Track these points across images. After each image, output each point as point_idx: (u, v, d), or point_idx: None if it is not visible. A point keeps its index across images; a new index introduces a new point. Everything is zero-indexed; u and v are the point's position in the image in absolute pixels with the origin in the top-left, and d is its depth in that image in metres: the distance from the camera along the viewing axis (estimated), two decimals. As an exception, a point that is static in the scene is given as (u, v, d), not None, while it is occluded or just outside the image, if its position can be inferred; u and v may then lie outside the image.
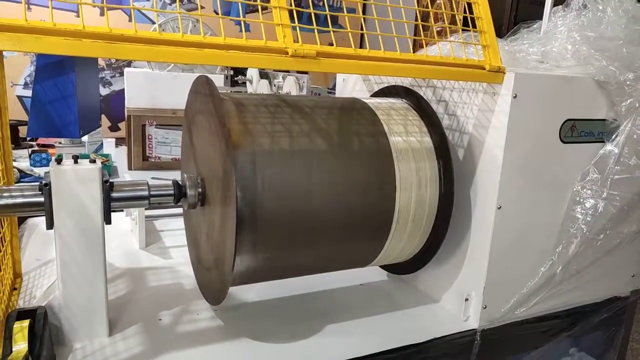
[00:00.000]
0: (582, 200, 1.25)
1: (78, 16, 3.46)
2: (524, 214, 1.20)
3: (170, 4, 3.70)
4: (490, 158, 1.16)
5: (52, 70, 1.21)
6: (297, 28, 0.91)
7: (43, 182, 0.96)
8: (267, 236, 1.01)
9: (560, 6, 1.35)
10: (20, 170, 2.66)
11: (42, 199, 0.97)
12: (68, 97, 1.24)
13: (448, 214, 1.18)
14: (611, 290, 1.45)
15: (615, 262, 1.39)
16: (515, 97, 1.09)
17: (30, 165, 2.84)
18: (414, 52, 1.43)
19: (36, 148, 2.92)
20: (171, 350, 1.03)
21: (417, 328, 1.20)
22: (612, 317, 1.46)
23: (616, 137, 1.23)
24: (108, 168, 2.48)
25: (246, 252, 0.99)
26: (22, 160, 2.96)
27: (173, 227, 1.77)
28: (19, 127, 3.44)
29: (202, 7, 3.65)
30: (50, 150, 2.83)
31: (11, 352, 0.84)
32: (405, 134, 1.16)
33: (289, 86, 1.81)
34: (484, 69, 1.09)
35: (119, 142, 3.11)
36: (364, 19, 1.10)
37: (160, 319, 1.16)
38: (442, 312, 1.30)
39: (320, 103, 1.15)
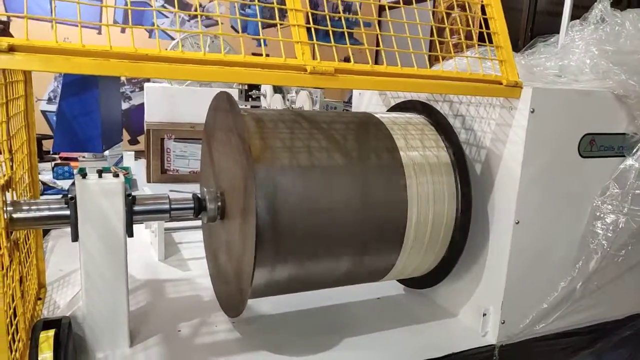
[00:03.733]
0: (602, 215, 1.23)
1: (99, 33, 3.57)
2: (542, 229, 1.20)
3: (188, 20, 3.78)
4: (508, 172, 1.16)
5: (77, 86, 1.25)
6: (315, 45, 0.93)
7: (69, 195, 0.99)
8: (285, 250, 1.02)
9: (578, 20, 1.35)
10: (43, 183, 2.72)
11: (67, 212, 1.00)
12: (92, 112, 1.28)
13: (466, 228, 1.18)
14: (634, 307, 1.42)
15: (638, 279, 1.37)
16: (532, 111, 1.10)
17: (53, 178, 2.91)
18: (430, 66, 1.44)
19: (59, 161, 2.99)
20: (190, 362, 1.05)
21: (435, 343, 1.20)
22: (635, 335, 1.43)
23: (637, 151, 1.22)
24: (128, 181, 2.52)
25: (265, 265, 1.00)
26: (45, 173, 3.02)
27: (191, 240, 1.79)
28: (43, 141, 3.53)
29: (221, 23, 3.72)
30: (72, 164, 2.89)
31: (37, 360, 0.86)
32: (422, 149, 1.17)
33: (302, 101, 1.83)
34: (501, 84, 1.09)
35: (138, 155, 3.17)
36: (379, 34, 1.11)
37: (180, 331, 1.17)
38: (460, 326, 1.29)
39: (336, 119, 1.17)
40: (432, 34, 1.15)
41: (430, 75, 1.02)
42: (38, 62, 0.70)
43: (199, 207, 1.12)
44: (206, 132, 1.26)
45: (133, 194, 1.05)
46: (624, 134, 1.25)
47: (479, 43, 1.16)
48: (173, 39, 3.62)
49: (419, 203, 1.13)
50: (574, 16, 1.43)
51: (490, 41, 1.13)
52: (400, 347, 1.17)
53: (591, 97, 1.18)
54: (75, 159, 2.84)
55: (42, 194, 2.71)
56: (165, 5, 2.90)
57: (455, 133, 1.20)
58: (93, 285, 1.03)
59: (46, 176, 2.88)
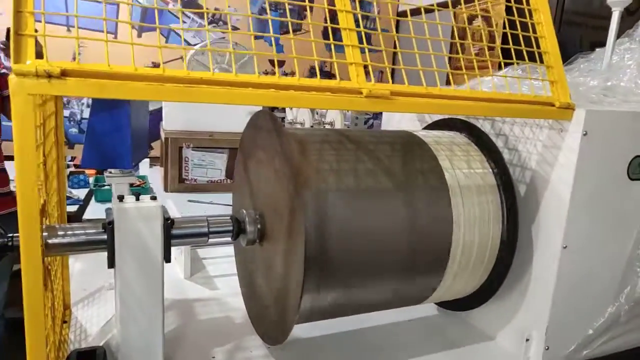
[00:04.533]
0: (650, 238, 1.19)
1: (115, 38, 3.53)
2: (589, 254, 1.16)
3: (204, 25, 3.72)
4: (556, 196, 1.12)
5: (108, 102, 1.21)
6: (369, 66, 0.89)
7: (106, 220, 0.95)
8: (331, 275, 0.98)
9: (624, 38, 1.31)
10: (57, 192, 2.68)
11: (104, 237, 0.95)
12: (122, 128, 1.24)
13: (511, 252, 1.14)
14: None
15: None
16: (585, 134, 1.06)
17: (68, 187, 2.86)
18: (448, 84, 1.39)
19: (73, 169, 2.95)
20: (230, 393, 1.00)
21: (479, 370, 1.16)
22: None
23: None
24: (145, 190, 2.48)
25: (310, 292, 0.96)
26: (58, 181, 2.98)
27: (216, 255, 1.75)
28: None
29: (236, 29, 3.68)
30: (87, 171, 2.85)
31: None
32: (467, 170, 1.13)
33: (333, 115, 1.79)
34: (553, 105, 1.05)
35: (153, 162, 3.12)
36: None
37: (214, 357, 1.13)
38: (500, 351, 1.25)
39: (380, 139, 1.13)
40: (463, 52, 1.11)
41: (483, 97, 0.98)
42: (91, 88, 0.66)
43: (238, 229, 1.08)
44: (242, 151, 1.22)
45: (172, 217, 1.00)
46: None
47: (519, 61, 1.11)
48: (189, 43, 3.59)
49: (464, 226, 1.09)
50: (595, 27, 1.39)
51: (533, 59, 1.09)
52: (440, 374, 1.13)
53: (643, 118, 1.14)
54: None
55: (56, 204, 2.66)
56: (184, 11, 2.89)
57: (500, 154, 1.16)
58: (129, 313, 0.99)
59: (60, 184, 2.84)
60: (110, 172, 1.36)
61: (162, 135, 2.54)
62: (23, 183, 0.65)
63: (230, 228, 1.08)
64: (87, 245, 0.95)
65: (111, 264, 0.97)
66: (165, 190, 2.49)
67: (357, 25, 0.90)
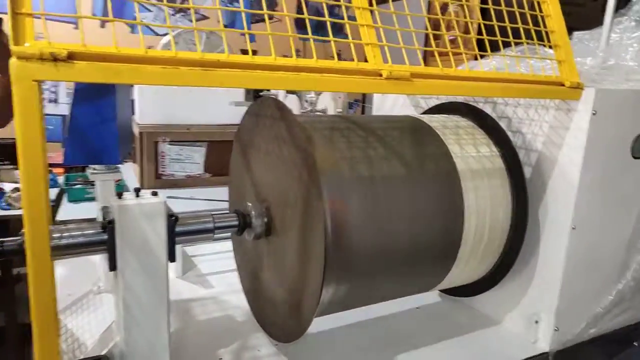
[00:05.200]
0: (651, 215, 1.21)
1: (75, 28, 3.34)
2: (597, 234, 1.16)
3: (173, 15, 3.59)
4: (564, 177, 1.11)
5: (93, 92, 1.12)
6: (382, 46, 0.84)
7: (106, 219, 0.88)
8: (350, 266, 0.94)
9: (619, 17, 1.31)
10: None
11: (104, 237, 0.88)
12: (109, 121, 1.15)
13: (521, 236, 1.13)
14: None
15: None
16: (594, 113, 1.05)
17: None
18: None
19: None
20: (244, 396, 0.95)
21: (488, 354, 1.15)
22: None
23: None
24: (121, 188, 2.37)
25: (329, 287, 0.92)
26: (24, 180, 2.82)
27: (205, 252, 1.68)
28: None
29: (206, 17, 3.55)
30: (55, 170, 2.71)
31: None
32: (476, 155, 1.11)
33: (326, 102, 1.73)
34: (563, 85, 1.04)
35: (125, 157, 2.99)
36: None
37: (221, 358, 1.07)
38: (508, 334, 1.24)
39: (388, 125, 1.09)
40: (467, 32, 1.08)
41: (498, 78, 0.95)
42: (103, 73, 0.59)
43: (244, 223, 1.02)
44: (240, 140, 1.15)
45: (176, 214, 0.94)
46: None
47: (516, 40, 1.09)
48: (157, 34, 3.44)
49: (477, 211, 1.07)
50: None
51: (544, 39, 1.07)
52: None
53: (646, 97, 1.14)
54: (59, 165, 2.66)
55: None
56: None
57: (507, 136, 1.14)
58: (133, 319, 0.92)
59: (27, 184, 2.69)
60: (95, 169, 1.27)
61: (136, 129, 2.43)
62: (30, 181, 0.58)
63: (236, 223, 1.02)
64: (86, 246, 0.87)
65: (112, 266, 0.89)
66: (141, 187, 2.38)
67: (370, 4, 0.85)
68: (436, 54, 0.91)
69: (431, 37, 0.92)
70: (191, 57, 0.66)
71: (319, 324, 1.21)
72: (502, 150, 1.14)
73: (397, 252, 0.99)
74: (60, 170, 2.63)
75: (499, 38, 0.98)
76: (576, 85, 1.04)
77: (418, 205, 1.00)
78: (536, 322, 1.18)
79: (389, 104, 1.59)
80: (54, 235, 0.85)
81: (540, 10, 1.07)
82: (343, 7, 0.82)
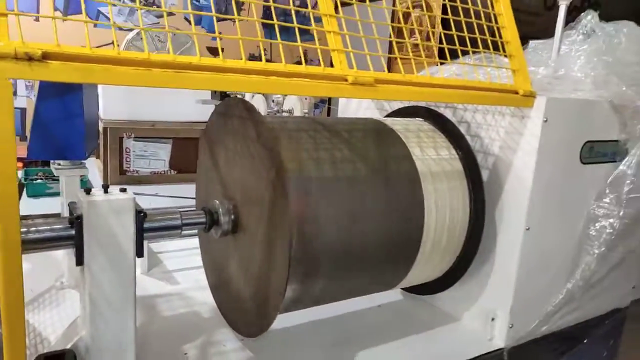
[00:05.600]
0: (597, 218, 1.29)
1: (36, 20, 3.25)
2: (548, 234, 1.23)
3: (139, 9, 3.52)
4: (519, 180, 1.17)
5: (58, 88, 1.12)
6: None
7: (74, 214, 0.89)
8: (314, 266, 0.97)
9: (568, 31, 1.39)
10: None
11: (72, 233, 0.89)
12: (75, 116, 1.15)
13: (478, 236, 1.19)
14: (615, 302, 1.51)
15: (620, 275, 1.45)
16: (545, 120, 1.11)
17: None
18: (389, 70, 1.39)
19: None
20: (209, 389, 0.98)
21: (445, 350, 1.20)
22: (614, 327, 1.52)
23: (629, 158, 1.28)
24: (84, 184, 2.33)
25: (293, 283, 0.95)
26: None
27: (171, 249, 1.68)
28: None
29: (172, 14, 3.50)
30: (16, 164, 2.64)
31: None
32: (436, 157, 1.16)
33: (292, 102, 1.76)
34: (517, 93, 1.10)
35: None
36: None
37: (187, 354, 1.09)
38: (466, 331, 1.30)
39: (353, 127, 1.13)
40: (428, 39, 1.13)
41: (456, 85, 1.01)
42: (76, 72, 0.61)
43: (211, 221, 1.04)
44: (207, 139, 1.17)
45: (145, 210, 0.95)
46: (616, 140, 1.30)
47: (474, 50, 1.14)
48: (120, 29, 3.39)
49: (437, 212, 1.12)
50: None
51: (499, 49, 1.13)
52: (413, 356, 1.16)
53: (593, 106, 1.22)
54: (20, 160, 2.60)
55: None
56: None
57: (466, 141, 1.20)
58: (99, 313, 0.93)
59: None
60: (60, 164, 1.26)
61: (101, 125, 2.40)
62: (3, 176, 0.59)
63: (204, 220, 1.04)
64: (53, 241, 0.88)
65: (79, 261, 0.90)
66: (105, 183, 2.35)
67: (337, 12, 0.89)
68: (399, 60, 0.96)
69: (394, 43, 0.96)
70: (164, 60, 0.69)
71: (283, 321, 1.24)
72: (461, 154, 1.20)
73: (360, 250, 1.03)
74: (19, 164, 2.57)
75: (457, 47, 1.04)
76: (529, 93, 1.11)
77: (380, 205, 1.04)
78: (492, 319, 1.24)
79: (354, 106, 1.64)
80: (22, 230, 0.86)
81: (497, 22, 1.13)
82: (310, 14, 0.85)
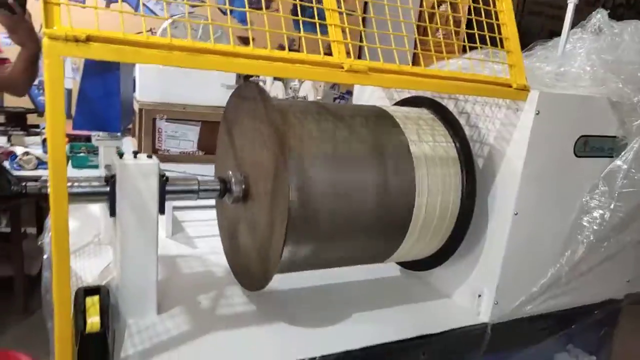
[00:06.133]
0: (589, 210, 1.36)
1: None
2: (537, 221, 1.31)
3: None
4: (510, 168, 1.26)
5: (99, 67, 1.28)
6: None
7: (109, 174, 1.05)
8: (309, 231, 1.10)
9: (578, 29, 1.46)
10: (37, 158, 2.72)
11: (107, 189, 1.05)
12: (113, 94, 1.31)
13: (468, 218, 1.28)
14: (608, 293, 1.57)
15: (614, 268, 1.51)
16: (537, 113, 1.20)
17: (44, 152, 2.89)
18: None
19: (45, 136, 2.98)
20: (213, 331, 1.12)
21: (433, 320, 1.31)
22: (607, 318, 1.58)
23: (625, 153, 1.34)
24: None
25: (291, 245, 1.08)
26: (34, 147, 3.01)
27: (193, 219, 1.85)
28: (28, 115, 3.49)
29: (204, 3, 3.69)
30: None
31: (86, 324, 0.93)
32: (432, 143, 1.26)
33: (307, 90, 1.89)
34: (511, 86, 1.19)
35: (124, 132, 3.17)
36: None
37: (200, 302, 1.25)
38: (455, 306, 1.40)
39: (356, 112, 1.25)
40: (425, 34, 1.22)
41: (451, 76, 1.11)
42: (112, 52, 0.75)
43: (224, 189, 1.19)
44: (226, 118, 1.32)
45: (167, 175, 1.10)
46: (614, 137, 1.37)
47: (482, 46, 1.23)
48: (158, 16, 3.58)
49: (427, 194, 1.23)
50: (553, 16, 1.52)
51: (495, 45, 1.22)
52: (402, 322, 1.27)
53: (589, 102, 1.29)
54: (67, 135, 2.83)
55: (36, 169, 2.70)
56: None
57: (463, 130, 1.29)
58: (127, 258, 1.09)
59: (37, 151, 2.87)
60: (99, 136, 1.43)
61: (136, 106, 2.59)
62: (54, 136, 0.75)
63: (218, 187, 1.18)
64: (91, 195, 1.05)
65: (112, 213, 1.06)
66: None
67: (339, 6, 1.01)
68: (420, 55, 1.06)
69: (415, 36, 1.06)
70: (183, 44, 0.83)
71: (284, 283, 1.38)
72: (457, 142, 1.30)
73: (353, 222, 1.15)
74: (65, 139, 2.80)
75: (466, 43, 1.14)
76: (522, 87, 1.19)
77: (374, 183, 1.16)
78: (479, 296, 1.34)
79: (366, 96, 1.75)
80: (67, 184, 1.02)
81: (497, 19, 1.22)
82: (315, 8, 0.97)
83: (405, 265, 1.53)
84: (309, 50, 0.94)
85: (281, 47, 0.97)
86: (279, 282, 1.38)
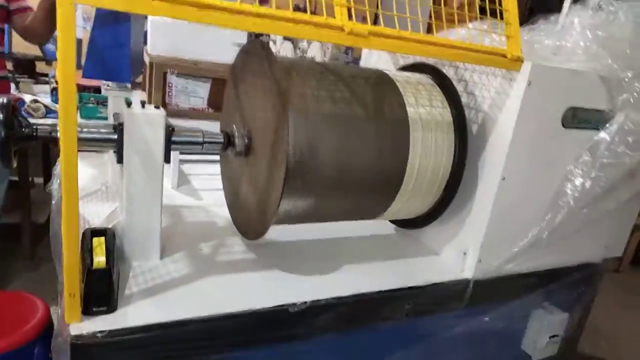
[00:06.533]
0: (572, 178, 1.43)
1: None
2: (523, 186, 1.38)
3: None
4: (500, 135, 1.32)
5: (110, 18, 1.32)
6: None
7: (117, 122, 1.11)
8: (306, 184, 1.17)
9: (578, 4, 1.49)
10: (45, 106, 2.77)
11: (114, 137, 1.11)
12: (123, 44, 1.35)
13: (458, 181, 1.35)
14: (585, 257, 1.66)
15: (592, 234, 1.59)
16: (529, 84, 1.25)
17: (53, 101, 2.94)
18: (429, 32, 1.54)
19: (55, 85, 3.02)
20: (212, 275, 1.21)
21: (421, 274, 1.39)
22: (584, 279, 1.68)
23: (609, 126, 1.40)
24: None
25: (289, 196, 1.15)
26: (43, 95, 3.05)
27: (198, 172, 1.92)
28: (36, 62, 3.50)
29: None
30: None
31: (92, 261, 1.01)
32: (429, 108, 1.32)
33: (314, 51, 1.93)
34: (506, 57, 1.23)
35: (134, 85, 3.20)
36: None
37: (201, 249, 1.33)
38: (441, 263, 1.49)
39: (358, 74, 1.30)
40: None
41: (448, 44, 1.15)
42: (121, 2, 0.81)
43: (228, 142, 1.25)
44: (233, 73, 1.37)
45: (173, 126, 1.17)
46: (601, 110, 1.42)
47: (482, 16, 1.27)
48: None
49: (420, 155, 1.29)
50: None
51: (501, 17, 1.26)
52: (390, 275, 1.36)
53: (579, 76, 1.34)
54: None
55: (45, 117, 2.75)
56: None
57: (459, 96, 1.35)
58: (133, 203, 1.16)
59: (46, 99, 2.92)
60: (108, 86, 1.48)
61: (147, 59, 2.62)
62: (65, 78, 0.80)
63: (222, 140, 1.25)
64: (100, 142, 1.11)
65: (120, 159, 1.13)
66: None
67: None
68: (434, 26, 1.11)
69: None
70: (232, 6, 0.88)
71: (284, 235, 1.46)
72: (453, 108, 1.35)
73: (347, 177, 1.22)
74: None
75: (472, 14, 1.18)
76: (517, 58, 1.24)
77: (369, 141, 1.22)
78: (464, 254, 1.43)
79: (374, 60, 1.79)
80: (77, 129, 1.09)
81: (498, -8, 1.26)
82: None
83: (399, 223, 1.61)
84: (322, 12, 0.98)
85: (297, 8, 1.01)
86: (277, 233, 1.46)
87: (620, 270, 4.52)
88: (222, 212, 1.53)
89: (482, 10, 1.25)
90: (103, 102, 2.56)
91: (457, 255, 1.45)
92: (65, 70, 0.81)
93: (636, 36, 1.34)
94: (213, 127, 2.34)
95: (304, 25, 0.97)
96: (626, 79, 1.34)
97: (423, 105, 1.31)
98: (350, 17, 1.03)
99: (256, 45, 1.23)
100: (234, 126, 1.26)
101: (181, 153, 1.72)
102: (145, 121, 1.12)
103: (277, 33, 0.99)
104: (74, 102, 0.84)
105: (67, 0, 0.77)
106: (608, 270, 1.71)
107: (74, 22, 0.80)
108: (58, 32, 0.80)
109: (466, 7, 1.26)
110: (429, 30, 1.38)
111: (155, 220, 1.19)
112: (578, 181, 1.40)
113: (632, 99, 1.37)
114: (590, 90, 1.38)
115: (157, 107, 1.16)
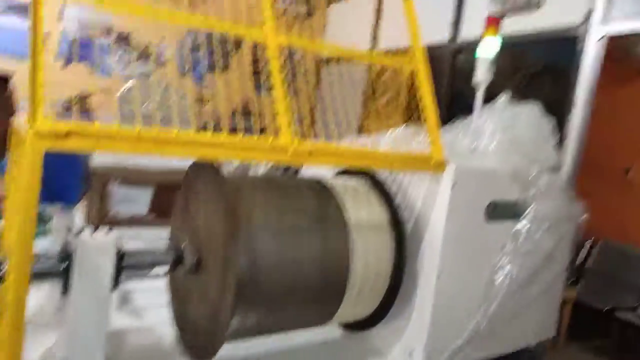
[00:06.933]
0: (500, 267, 1.55)
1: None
2: (457, 281, 1.48)
3: (136, 60, 3.77)
4: (433, 233, 1.43)
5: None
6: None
7: (64, 252, 1.09)
8: (257, 300, 1.20)
9: (488, 106, 1.72)
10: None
11: (61, 268, 1.09)
12: (74, 164, 1.34)
13: (399, 281, 1.43)
14: (523, 341, 1.75)
15: (525, 318, 1.69)
16: (454, 185, 1.39)
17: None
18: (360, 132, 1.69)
19: None
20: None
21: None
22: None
23: (525, 216, 1.57)
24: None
25: (240, 313, 1.16)
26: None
27: (141, 287, 1.85)
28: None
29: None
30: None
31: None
32: (367, 212, 1.42)
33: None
34: (430, 161, 1.38)
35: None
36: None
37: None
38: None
39: (300, 185, 1.38)
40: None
41: (377, 154, 1.28)
42: (88, 143, 0.85)
43: (177, 260, 1.26)
44: (184, 187, 1.40)
45: (123, 250, 1.16)
46: (517, 202, 1.59)
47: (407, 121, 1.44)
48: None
49: (363, 258, 1.36)
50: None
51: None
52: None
53: (495, 174, 1.51)
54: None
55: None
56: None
57: (394, 199, 1.46)
58: (76, 338, 1.11)
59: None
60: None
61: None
62: (24, 222, 0.81)
63: (172, 259, 1.25)
64: (47, 276, 1.08)
65: (65, 290, 1.10)
66: (88, 223, 2.51)
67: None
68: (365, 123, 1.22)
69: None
70: (150, 135, 0.93)
71: (230, 348, 1.41)
72: (388, 210, 1.46)
73: (297, 291, 1.26)
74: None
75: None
76: (440, 162, 1.39)
77: (314, 251, 1.28)
78: (410, 354, 1.47)
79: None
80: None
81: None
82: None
83: (346, 326, 1.63)
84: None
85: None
86: (226, 349, 1.42)
87: (560, 345, 4.68)
88: (167, 332, 1.48)
89: (409, 116, 1.41)
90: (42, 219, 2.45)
91: (404, 355, 1.48)
92: (26, 210, 0.82)
93: (538, 134, 1.56)
94: (155, 234, 2.29)
95: (251, 151, 1.05)
96: (534, 175, 1.53)
97: (362, 210, 1.41)
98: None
99: (204, 166, 1.29)
100: (184, 244, 1.28)
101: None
102: (95, 249, 1.11)
103: (228, 158, 1.06)
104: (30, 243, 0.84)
105: (37, 146, 0.80)
106: (549, 349, 1.80)
107: (40, 164, 0.83)
108: (23, 174, 0.81)
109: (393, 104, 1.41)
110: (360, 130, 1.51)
111: (98, 356, 1.13)
112: (506, 270, 1.53)
113: (540, 191, 1.56)
114: (505, 185, 1.55)
115: (108, 231, 1.16)
